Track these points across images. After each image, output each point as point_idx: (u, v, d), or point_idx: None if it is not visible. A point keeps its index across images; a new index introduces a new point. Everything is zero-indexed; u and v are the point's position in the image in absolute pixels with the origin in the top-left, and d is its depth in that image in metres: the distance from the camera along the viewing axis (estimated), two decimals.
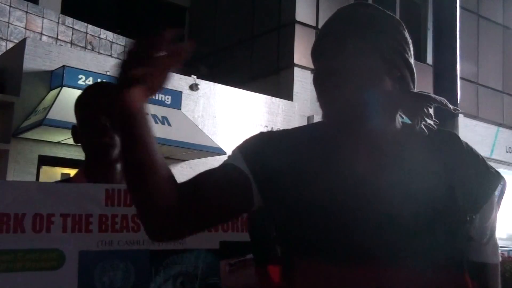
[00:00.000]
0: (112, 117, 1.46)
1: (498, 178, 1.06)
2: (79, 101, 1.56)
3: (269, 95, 9.66)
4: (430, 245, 0.97)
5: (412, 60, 1.08)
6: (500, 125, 13.45)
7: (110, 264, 1.17)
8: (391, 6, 12.10)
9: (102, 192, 1.21)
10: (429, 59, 11.29)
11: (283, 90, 10.10)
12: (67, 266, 1.13)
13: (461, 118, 9.87)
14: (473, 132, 11.96)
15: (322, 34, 1.07)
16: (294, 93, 10.01)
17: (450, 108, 1.07)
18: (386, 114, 1.04)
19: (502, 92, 13.78)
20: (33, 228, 1.13)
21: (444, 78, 4.19)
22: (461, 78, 3.98)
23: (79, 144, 1.54)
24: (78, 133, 1.56)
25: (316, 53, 1.07)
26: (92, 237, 1.17)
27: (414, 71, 1.07)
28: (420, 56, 12.32)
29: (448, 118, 4.20)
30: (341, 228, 0.98)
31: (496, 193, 1.06)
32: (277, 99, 9.71)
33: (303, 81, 10.09)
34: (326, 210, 0.99)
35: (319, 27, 10.52)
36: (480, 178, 1.04)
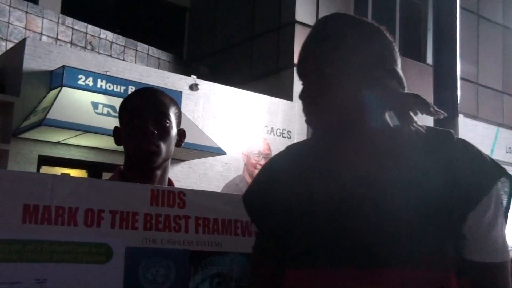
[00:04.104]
0: (160, 125, 1.51)
1: (496, 174, 1.02)
2: (127, 106, 1.58)
3: (269, 95, 9.66)
4: (417, 245, 0.97)
5: (396, 66, 1.09)
6: (500, 125, 13.45)
7: (154, 261, 1.22)
8: (391, 6, 12.10)
9: (148, 191, 1.26)
10: (429, 59, 11.28)
11: (283, 90, 10.10)
12: (114, 260, 1.18)
13: (461, 118, 9.87)
14: (473, 132, 11.95)
15: (302, 57, 1.12)
16: (294, 93, 10.00)
17: (434, 116, 1.08)
18: (368, 124, 1.07)
19: (502, 92, 13.77)
20: (84, 222, 1.18)
21: (444, 78, 4.19)
22: (461, 78, 3.99)
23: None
24: (122, 136, 1.58)
25: (299, 74, 1.13)
26: (138, 234, 1.22)
27: (400, 75, 1.09)
28: (420, 56, 12.32)
29: (448, 118, 4.21)
30: (332, 232, 1.01)
31: (495, 190, 1.01)
32: (277, 99, 9.71)
33: None
34: (319, 218, 1.04)
35: None
36: (473, 176, 1.00)
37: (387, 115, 1.10)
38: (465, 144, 1.05)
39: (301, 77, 1.12)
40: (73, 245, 1.16)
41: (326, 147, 1.11)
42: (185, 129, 1.67)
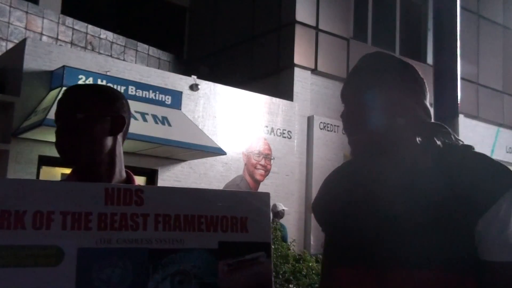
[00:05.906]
0: (69, 121, 1.48)
1: (506, 183, 1.12)
2: None
3: (269, 95, 9.67)
4: (430, 247, 1.11)
5: (426, 99, 1.29)
6: (500, 125, 13.45)
7: (108, 261, 1.19)
8: (391, 6, 12.10)
9: (102, 190, 1.23)
10: (429, 59, 11.28)
11: (283, 90, 10.11)
12: (65, 262, 1.15)
13: (462, 119, 9.86)
14: (473, 133, 11.95)
15: (346, 84, 1.32)
16: (294, 93, 10.02)
17: (453, 140, 1.27)
18: (400, 146, 1.25)
19: (502, 92, 13.78)
20: (33, 225, 1.15)
21: (444, 78, 4.19)
22: (461, 78, 3.98)
23: None
24: None
25: (342, 98, 1.33)
26: (91, 235, 1.19)
27: (428, 107, 1.29)
28: (420, 56, 12.32)
29: (448, 118, 4.20)
30: (358, 234, 1.22)
31: (507, 197, 1.11)
32: (277, 99, 9.71)
33: (303, 81, 10.10)
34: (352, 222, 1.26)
35: (319, 27, 10.54)
36: (482, 183, 1.12)
37: (417, 139, 1.27)
38: (480, 156, 1.19)
39: (343, 101, 1.31)
40: (20, 248, 1.13)
41: (365, 164, 1.30)
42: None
